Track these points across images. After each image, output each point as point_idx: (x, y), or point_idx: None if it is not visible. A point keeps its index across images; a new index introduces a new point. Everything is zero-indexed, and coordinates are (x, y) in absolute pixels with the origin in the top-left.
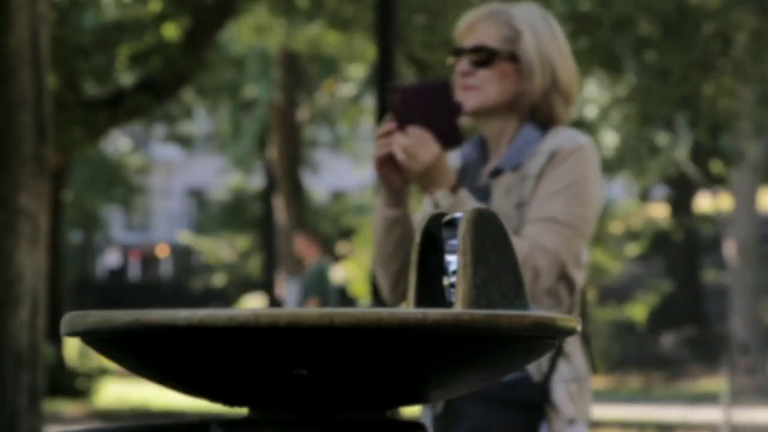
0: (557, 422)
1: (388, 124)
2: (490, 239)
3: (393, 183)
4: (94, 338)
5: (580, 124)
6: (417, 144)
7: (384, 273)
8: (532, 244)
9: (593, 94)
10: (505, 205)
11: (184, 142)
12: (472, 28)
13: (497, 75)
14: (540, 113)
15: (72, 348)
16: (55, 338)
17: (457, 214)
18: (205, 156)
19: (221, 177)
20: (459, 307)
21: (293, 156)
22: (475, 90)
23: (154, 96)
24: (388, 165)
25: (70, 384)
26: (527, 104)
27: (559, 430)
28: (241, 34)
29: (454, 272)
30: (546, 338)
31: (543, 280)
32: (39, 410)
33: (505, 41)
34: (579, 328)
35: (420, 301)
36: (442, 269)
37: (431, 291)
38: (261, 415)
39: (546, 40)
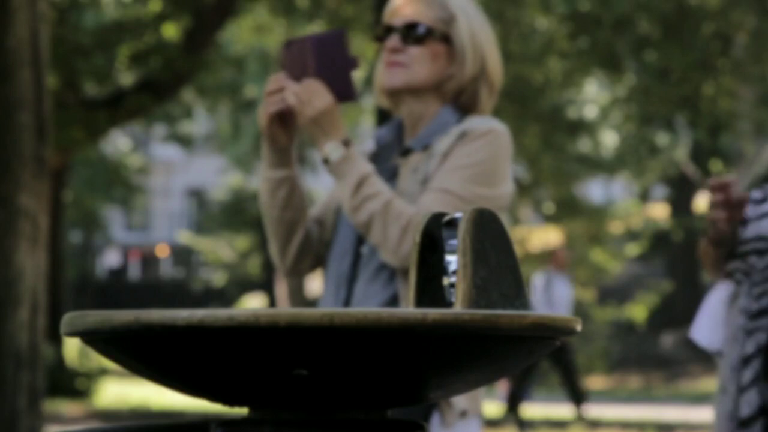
0: (449, 414)
1: (279, 80)
2: (490, 239)
3: (279, 141)
4: (94, 338)
5: (580, 124)
6: (311, 90)
7: (273, 239)
8: (420, 208)
9: (593, 94)
10: (410, 183)
11: (184, 142)
12: (404, 8)
13: (429, 54)
14: (464, 99)
15: (72, 348)
16: (55, 338)
17: (457, 214)
18: (205, 156)
19: (221, 177)
20: (459, 307)
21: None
22: (403, 67)
23: (154, 96)
24: (276, 123)
25: (70, 384)
26: (453, 88)
27: (451, 422)
28: (241, 34)
29: (454, 272)
30: (546, 338)
31: None
32: (39, 410)
33: (439, 22)
34: (579, 327)
35: (420, 301)
36: (442, 269)
37: (431, 291)
38: (261, 415)
39: (479, 27)
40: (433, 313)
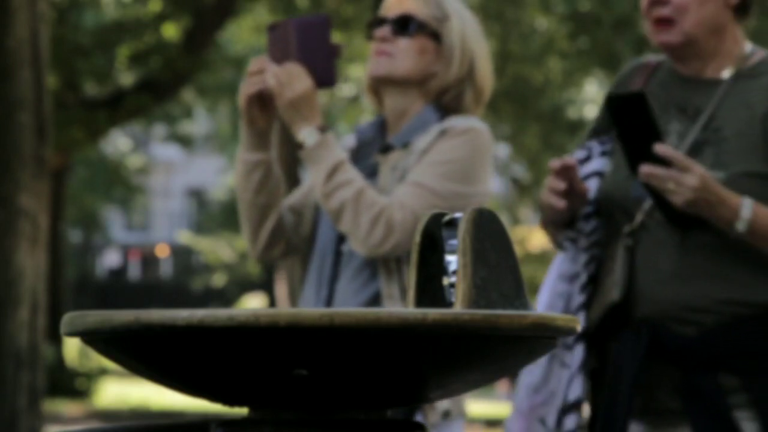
0: (432, 414)
1: (260, 61)
2: (490, 239)
3: (258, 123)
4: (94, 338)
5: (580, 124)
6: (290, 73)
7: (245, 222)
8: (393, 199)
9: (593, 94)
10: (390, 181)
11: (184, 142)
12: (400, 2)
13: (416, 48)
14: (447, 100)
15: (72, 348)
16: (55, 338)
17: (457, 214)
18: (205, 156)
19: (221, 177)
20: (459, 307)
21: (293, 156)
22: (388, 56)
23: (154, 96)
24: (255, 105)
25: (70, 384)
26: (437, 88)
27: (434, 422)
28: (241, 34)
29: (454, 272)
30: (546, 338)
31: (396, 236)
32: (39, 410)
33: (433, 19)
34: (579, 327)
35: (420, 301)
36: (442, 269)
37: (431, 291)
38: (261, 415)
39: (471, 32)
40: (433, 313)
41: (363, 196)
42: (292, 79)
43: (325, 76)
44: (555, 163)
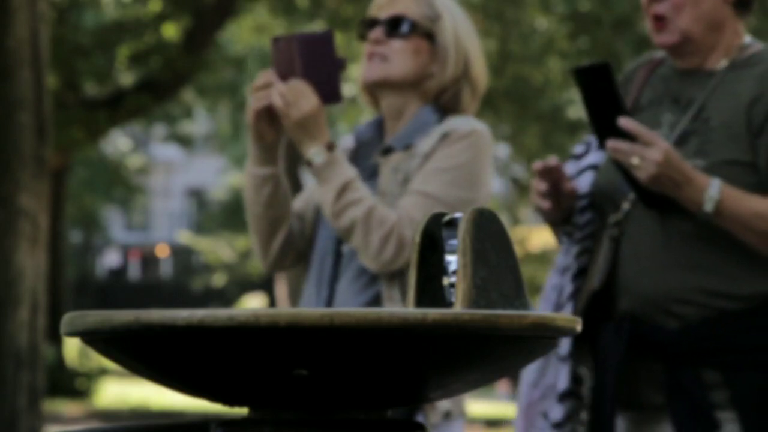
0: (432, 414)
1: (267, 76)
2: (490, 239)
3: (266, 137)
4: (94, 338)
5: (580, 124)
6: (297, 92)
7: (255, 235)
8: (401, 214)
9: None
10: (391, 183)
11: (184, 142)
12: (391, 2)
13: (410, 49)
14: (445, 99)
15: (72, 348)
16: (55, 338)
17: (457, 214)
18: (205, 156)
19: (221, 177)
20: (459, 307)
21: (293, 156)
22: (382, 59)
23: (154, 96)
24: (263, 119)
25: (70, 384)
26: (434, 88)
27: (434, 423)
28: (241, 34)
29: (454, 272)
30: (546, 338)
31: (407, 253)
32: (39, 410)
33: (425, 19)
34: (579, 328)
35: (420, 301)
36: (442, 269)
37: (431, 291)
38: (261, 415)
39: (464, 29)
40: (433, 313)
41: (373, 214)
42: (298, 99)
43: (330, 92)
44: (537, 165)
